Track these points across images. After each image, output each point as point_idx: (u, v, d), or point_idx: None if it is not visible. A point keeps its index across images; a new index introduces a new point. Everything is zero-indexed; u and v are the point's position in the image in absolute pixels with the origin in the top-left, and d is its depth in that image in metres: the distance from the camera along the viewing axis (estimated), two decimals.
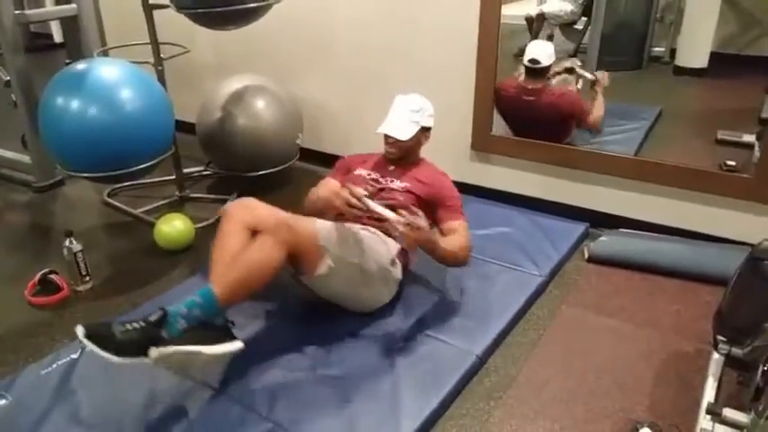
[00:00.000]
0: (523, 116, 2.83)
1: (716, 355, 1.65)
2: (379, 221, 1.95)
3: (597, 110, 2.78)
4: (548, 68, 2.78)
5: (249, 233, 1.85)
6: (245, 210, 1.90)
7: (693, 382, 1.75)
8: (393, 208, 1.90)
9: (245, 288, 1.71)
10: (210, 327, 1.65)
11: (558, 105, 2.81)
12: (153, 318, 1.57)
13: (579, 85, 2.89)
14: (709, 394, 1.57)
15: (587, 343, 1.98)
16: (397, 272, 2.06)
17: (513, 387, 1.79)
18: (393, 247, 2.02)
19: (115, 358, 1.51)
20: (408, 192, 2.10)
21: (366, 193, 1.95)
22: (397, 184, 2.13)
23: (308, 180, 2.22)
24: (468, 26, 2.66)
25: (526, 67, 2.78)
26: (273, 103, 3.02)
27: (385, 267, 1.99)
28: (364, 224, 2.03)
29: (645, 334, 2.01)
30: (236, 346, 1.68)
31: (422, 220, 1.85)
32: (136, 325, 1.56)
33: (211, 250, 1.84)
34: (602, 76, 2.79)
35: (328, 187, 2.09)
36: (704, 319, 1.71)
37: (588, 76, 2.84)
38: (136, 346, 1.54)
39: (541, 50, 2.78)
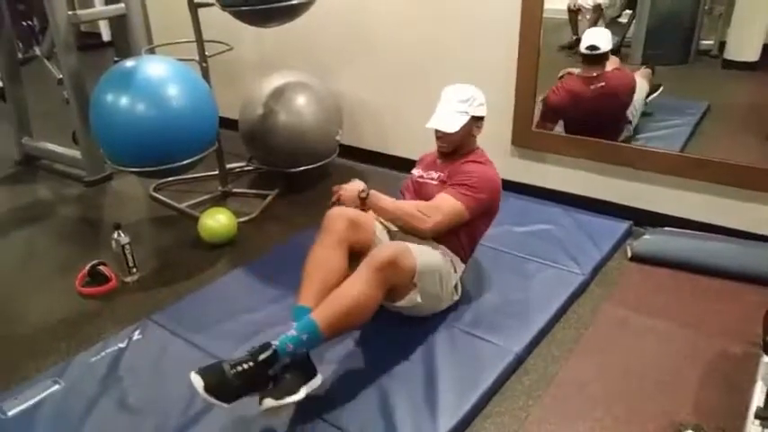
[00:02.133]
0: (589, 109, 2.79)
1: (766, 358, 1.60)
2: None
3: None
4: (606, 54, 2.74)
5: (347, 250, 1.83)
6: (349, 225, 1.86)
7: (741, 385, 1.70)
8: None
9: (348, 326, 1.71)
10: (301, 362, 1.62)
11: (615, 85, 2.78)
12: (263, 357, 1.53)
13: None
14: (758, 398, 1.53)
15: (629, 343, 1.95)
16: (458, 295, 2.08)
17: (553, 386, 1.77)
18: (459, 269, 2.03)
19: (227, 405, 1.49)
20: (441, 181, 2.03)
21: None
22: (433, 175, 2.07)
23: (347, 175, 2.23)
24: (510, 20, 2.63)
25: (584, 56, 2.74)
26: (314, 100, 3.05)
27: (451, 292, 2.01)
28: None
29: (689, 335, 1.96)
30: (319, 381, 1.65)
31: (352, 186, 1.91)
32: (246, 366, 1.51)
33: (306, 260, 1.81)
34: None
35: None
36: (751, 320, 1.66)
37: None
38: (247, 388, 1.52)
39: (600, 36, 2.74)
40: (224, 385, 1.48)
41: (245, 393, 1.52)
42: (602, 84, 2.75)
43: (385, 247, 1.77)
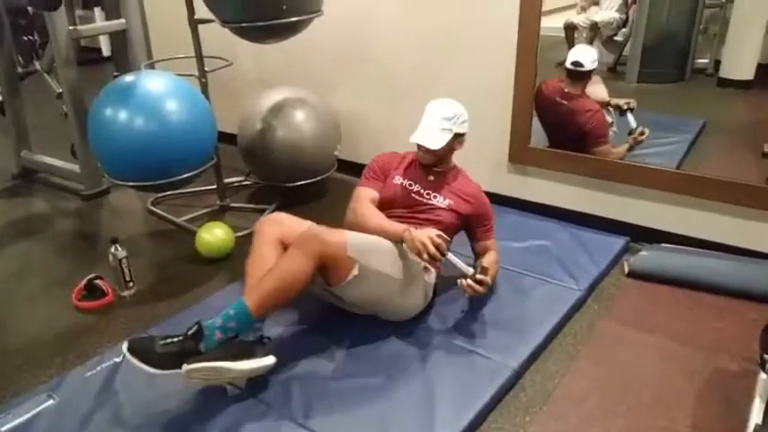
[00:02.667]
0: (552, 117, 2.85)
1: (763, 375, 1.60)
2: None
3: (615, 150, 2.77)
4: (589, 74, 2.78)
5: (281, 247, 1.92)
6: (275, 224, 1.99)
7: (739, 402, 1.69)
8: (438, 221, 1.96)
9: (276, 299, 1.75)
10: (245, 342, 1.72)
11: (582, 117, 2.81)
12: (190, 332, 1.66)
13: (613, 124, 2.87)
14: (756, 415, 1.53)
15: (626, 359, 1.95)
16: (431, 277, 2.07)
17: (550, 402, 1.77)
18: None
19: (152, 370, 1.61)
20: (452, 210, 2.11)
21: (444, 240, 1.91)
22: (440, 200, 2.13)
23: (345, 191, 2.24)
24: (507, 38, 2.66)
25: (568, 70, 2.78)
26: (312, 115, 3.06)
27: (417, 273, 2.00)
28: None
29: (686, 351, 1.96)
30: (267, 361, 1.72)
31: (486, 276, 1.92)
32: (175, 339, 1.65)
33: (247, 265, 1.91)
34: (643, 134, 2.77)
35: (378, 215, 2.06)
36: (749, 337, 1.66)
37: (634, 124, 2.80)
38: (173, 359, 1.62)
39: (585, 54, 2.79)
40: (149, 352, 1.62)
41: (174, 364, 1.62)
42: (565, 102, 2.81)
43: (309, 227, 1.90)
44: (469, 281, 1.89)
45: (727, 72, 2.98)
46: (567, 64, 2.78)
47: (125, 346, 1.64)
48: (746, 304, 2.16)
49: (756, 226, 2.35)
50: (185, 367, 1.61)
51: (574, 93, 2.80)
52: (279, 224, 1.99)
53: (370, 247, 1.91)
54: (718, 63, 3.00)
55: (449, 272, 2.18)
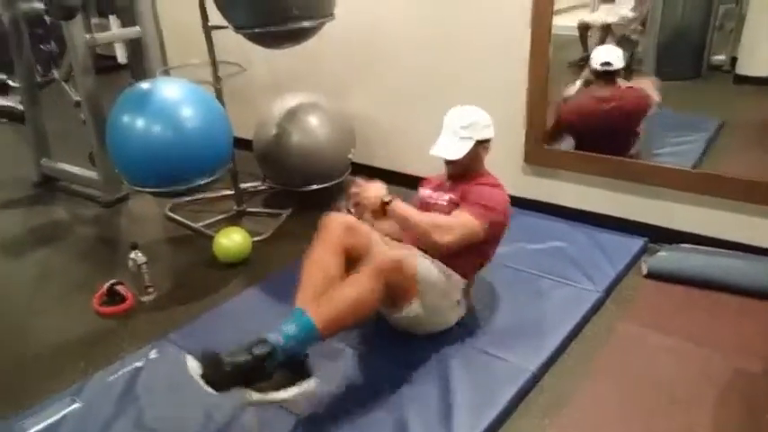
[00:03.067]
0: (602, 125, 2.81)
1: None
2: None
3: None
4: (618, 72, 2.76)
5: (344, 256, 1.84)
6: (344, 230, 1.88)
7: (759, 403, 1.68)
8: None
9: (345, 324, 1.71)
10: (297, 362, 1.62)
11: (629, 105, 2.79)
12: (260, 352, 1.53)
13: None
14: None
15: (645, 361, 1.93)
16: (462, 310, 2.06)
17: (569, 405, 1.76)
18: (460, 284, 2.01)
19: (217, 393, 1.50)
20: (451, 202, 2.02)
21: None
22: (443, 197, 2.06)
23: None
24: (520, 39, 2.65)
25: (597, 72, 2.76)
26: (326, 120, 3.08)
27: (454, 304, 2.00)
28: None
29: (706, 353, 1.95)
30: (312, 386, 1.63)
31: (376, 191, 1.86)
32: (242, 359, 1.52)
33: (305, 263, 1.83)
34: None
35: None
36: None
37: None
38: (240, 380, 1.53)
39: (612, 53, 2.77)
40: (219, 374, 1.49)
41: (237, 385, 1.53)
42: (614, 103, 2.76)
43: (389, 250, 1.81)
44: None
45: (743, 69, 2.95)
46: (596, 66, 2.75)
47: (195, 369, 1.49)
48: (766, 305, 2.13)
49: None
50: (255, 397, 1.53)
51: (612, 92, 2.76)
52: (347, 230, 1.87)
53: (435, 279, 1.88)
54: (734, 60, 2.97)
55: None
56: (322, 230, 1.89)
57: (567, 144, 2.85)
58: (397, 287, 1.77)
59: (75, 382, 1.92)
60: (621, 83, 2.82)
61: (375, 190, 1.91)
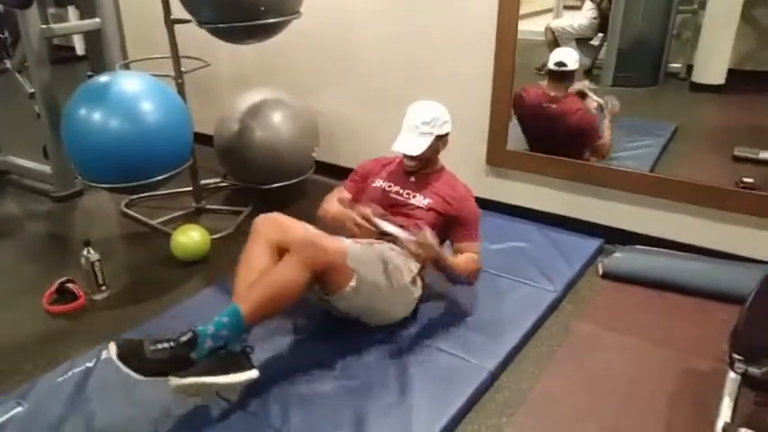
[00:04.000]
0: (540, 124, 2.85)
1: (732, 375, 1.62)
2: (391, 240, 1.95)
3: (605, 136, 2.79)
4: (573, 74, 2.80)
5: (276, 251, 1.85)
6: (273, 225, 1.91)
7: (709, 401, 1.72)
8: (411, 217, 1.91)
9: (272, 308, 1.71)
10: (230, 352, 1.65)
11: (573, 118, 2.82)
12: (184, 339, 1.58)
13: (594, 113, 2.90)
14: (725, 414, 1.55)
15: (601, 360, 1.97)
16: (417, 290, 2.06)
17: (526, 404, 1.78)
18: (414, 265, 2.02)
19: (140, 377, 1.54)
20: (431, 209, 2.08)
21: (375, 212, 1.95)
22: (419, 200, 2.10)
23: (323, 192, 2.23)
24: (485, 41, 2.68)
25: (551, 72, 2.81)
26: (290, 117, 3.05)
27: (405, 286, 1.99)
28: (384, 242, 2.02)
29: (660, 352, 1.99)
30: (251, 375, 1.67)
31: (430, 236, 1.84)
32: (166, 345, 1.57)
33: (238, 265, 1.86)
34: (612, 101, 2.79)
35: (337, 206, 2.08)
36: (720, 337, 1.69)
37: (599, 100, 2.84)
38: (163, 366, 1.55)
39: (568, 55, 2.81)
40: (138, 357, 1.53)
41: (162, 372, 1.55)
42: (556, 106, 2.81)
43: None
44: (406, 242, 1.84)
45: (699, 77, 3.04)
46: (550, 65, 2.80)
47: (112, 349, 1.54)
48: (719, 305, 2.19)
49: (727, 228, 2.40)
50: (174, 382, 1.54)
51: (559, 95, 2.81)
52: (275, 225, 1.91)
53: (368, 257, 1.89)
54: (690, 68, 3.06)
55: (431, 283, 2.19)
56: (253, 231, 1.92)
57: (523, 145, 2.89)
58: (324, 263, 1.75)
59: (21, 383, 1.85)
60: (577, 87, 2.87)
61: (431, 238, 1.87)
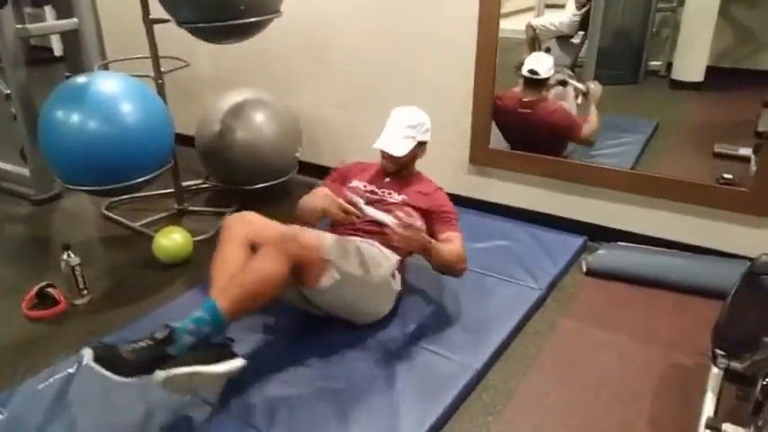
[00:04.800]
0: (517, 129, 2.86)
1: (715, 370, 1.64)
2: (378, 227, 1.95)
3: (591, 122, 2.80)
4: (546, 81, 2.82)
5: (249, 247, 1.87)
6: (245, 224, 1.93)
7: (693, 396, 1.74)
8: (389, 212, 1.91)
9: (250, 302, 1.70)
10: (212, 345, 1.64)
11: (550, 121, 2.84)
12: (160, 335, 1.56)
13: (579, 101, 2.91)
14: (708, 409, 1.56)
15: (586, 357, 1.98)
16: (397, 284, 2.06)
17: (512, 401, 1.79)
18: (393, 258, 2.03)
19: (119, 378, 1.50)
20: (406, 204, 2.08)
21: (362, 200, 1.97)
22: (395, 197, 2.13)
23: (306, 193, 2.22)
24: (467, 40, 2.68)
25: (525, 78, 2.82)
26: (272, 117, 3.03)
27: (385, 279, 1.99)
28: (363, 236, 2.04)
29: (643, 348, 2.01)
30: (238, 363, 1.67)
31: (418, 221, 1.85)
32: (143, 344, 1.55)
33: (212, 264, 1.86)
34: (594, 86, 2.81)
35: (321, 195, 2.08)
36: (703, 332, 1.71)
37: (579, 86, 2.87)
38: (143, 365, 1.53)
39: (541, 62, 2.82)
40: (116, 359, 1.50)
41: (142, 371, 1.52)
42: (528, 111, 2.83)
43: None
44: (393, 226, 1.81)
45: (678, 74, 3.08)
46: (524, 72, 2.81)
47: (88, 352, 1.50)
48: (701, 300, 2.22)
49: (708, 224, 2.42)
50: (159, 374, 1.52)
51: (534, 99, 2.83)
52: (248, 224, 1.93)
53: (346, 250, 1.90)
54: (670, 65, 3.09)
55: (415, 282, 2.19)
56: (224, 230, 1.93)
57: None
58: (301, 257, 1.75)
59: (0, 391, 1.81)
60: (556, 100, 2.89)
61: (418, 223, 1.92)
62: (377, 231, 2.01)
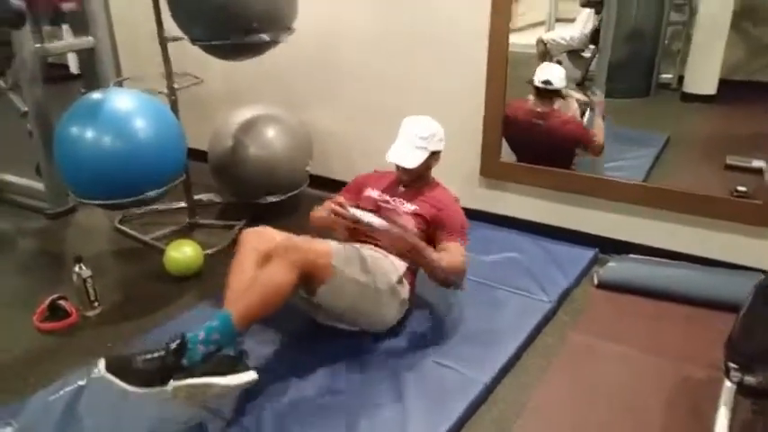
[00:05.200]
0: (530, 139, 2.86)
1: (728, 383, 1.61)
2: (371, 232, 1.96)
3: (597, 133, 2.80)
4: (558, 92, 2.81)
5: (262, 260, 1.88)
6: (259, 237, 1.97)
7: (706, 410, 1.70)
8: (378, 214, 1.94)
9: (260, 310, 1.72)
10: (225, 357, 1.65)
11: (564, 131, 2.84)
12: (173, 346, 1.58)
13: (586, 116, 2.91)
14: (721, 423, 1.53)
15: (597, 370, 1.96)
16: (405, 291, 2.05)
17: (522, 416, 1.76)
18: (400, 266, 2.02)
19: (132, 389, 1.53)
20: (417, 215, 2.08)
21: (353, 204, 1.98)
22: (406, 206, 2.12)
23: (317, 205, 2.24)
24: (478, 55, 2.69)
25: (537, 89, 2.82)
26: (284, 132, 3.05)
27: (392, 286, 1.98)
28: (371, 244, 2.04)
29: (655, 361, 1.98)
30: (250, 376, 1.68)
31: (409, 224, 1.88)
32: (156, 354, 1.57)
33: (227, 277, 1.89)
34: (597, 96, 2.80)
35: (324, 209, 2.11)
36: (715, 346, 1.68)
37: (582, 97, 2.87)
38: (156, 375, 1.55)
39: (554, 73, 2.82)
40: (129, 369, 1.54)
41: (155, 381, 1.55)
42: (543, 122, 2.82)
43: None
44: (378, 225, 1.86)
45: (690, 87, 3.06)
46: (537, 82, 2.82)
47: (101, 363, 1.55)
48: (713, 313, 2.19)
49: (721, 237, 2.40)
50: (171, 384, 1.55)
51: (547, 110, 2.83)
52: (262, 236, 1.98)
53: (352, 257, 1.91)
54: (681, 78, 3.08)
55: (425, 294, 2.18)
56: (240, 244, 1.99)
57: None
58: (309, 264, 1.77)
59: (11, 402, 1.82)
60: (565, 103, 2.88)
61: (408, 222, 2.01)
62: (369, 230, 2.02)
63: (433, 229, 2.08)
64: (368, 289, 1.91)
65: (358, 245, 2.02)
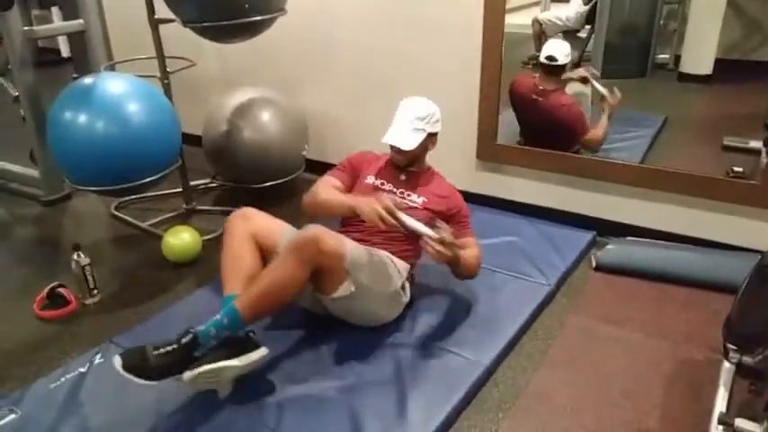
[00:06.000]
0: (529, 115, 2.86)
1: (726, 364, 1.63)
2: (412, 235, 1.92)
3: (598, 129, 2.78)
4: (563, 68, 2.80)
5: (253, 242, 1.92)
6: (245, 221, 1.97)
7: (704, 391, 1.73)
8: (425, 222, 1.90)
9: (269, 306, 1.75)
10: (234, 338, 1.69)
11: (559, 113, 2.82)
12: (185, 341, 1.61)
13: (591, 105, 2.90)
14: (720, 404, 1.56)
15: (596, 352, 1.97)
16: (406, 297, 2.06)
17: (522, 398, 1.78)
18: (404, 271, 2.03)
19: (149, 383, 1.57)
20: (427, 208, 2.07)
21: (397, 205, 1.88)
22: (414, 198, 2.09)
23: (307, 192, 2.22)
24: (472, 36, 2.67)
25: (542, 65, 2.80)
26: (279, 115, 3.03)
27: (396, 291, 1.98)
28: (374, 245, 2.00)
29: (654, 343, 2.00)
30: (262, 353, 1.72)
31: (450, 235, 1.83)
32: (169, 348, 1.60)
33: (221, 264, 1.89)
34: (614, 94, 2.78)
35: (335, 193, 2.07)
36: (714, 327, 1.70)
37: (601, 89, 2.83)
38: (170, 369, 1.60)
39: (558, 48, 2.81)
40: (145, 366, 1.57)
41: (169, 374, 1.60)
42: (541, 99, 2.82)
43: (307, 228, 1.80)
44: (432, 242, 1.78)
45: (686, 67, 3.05)
46: (541, 58, 2.80)
47: (118, 362, 1.57)
48: (711, 295, 2.21)
49: (718, 217, 2.41)
50: (187, 375, 1.59)
51: (548, 88, 2.81)
52: (249, 220, 1.97)
53: (366, 262, 1.86)
54: (678, 58, 3.06)
55: (425, 279, 2.18)
56: (226, 230, 1.97)
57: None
58: (322, 264, 1.75)
59: (13, 390, 1.83)
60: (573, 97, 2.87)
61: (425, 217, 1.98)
62: (387, 242, 2.01)
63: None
64: (374, 295, 1.91)
65: (368, 246, 1.96)
